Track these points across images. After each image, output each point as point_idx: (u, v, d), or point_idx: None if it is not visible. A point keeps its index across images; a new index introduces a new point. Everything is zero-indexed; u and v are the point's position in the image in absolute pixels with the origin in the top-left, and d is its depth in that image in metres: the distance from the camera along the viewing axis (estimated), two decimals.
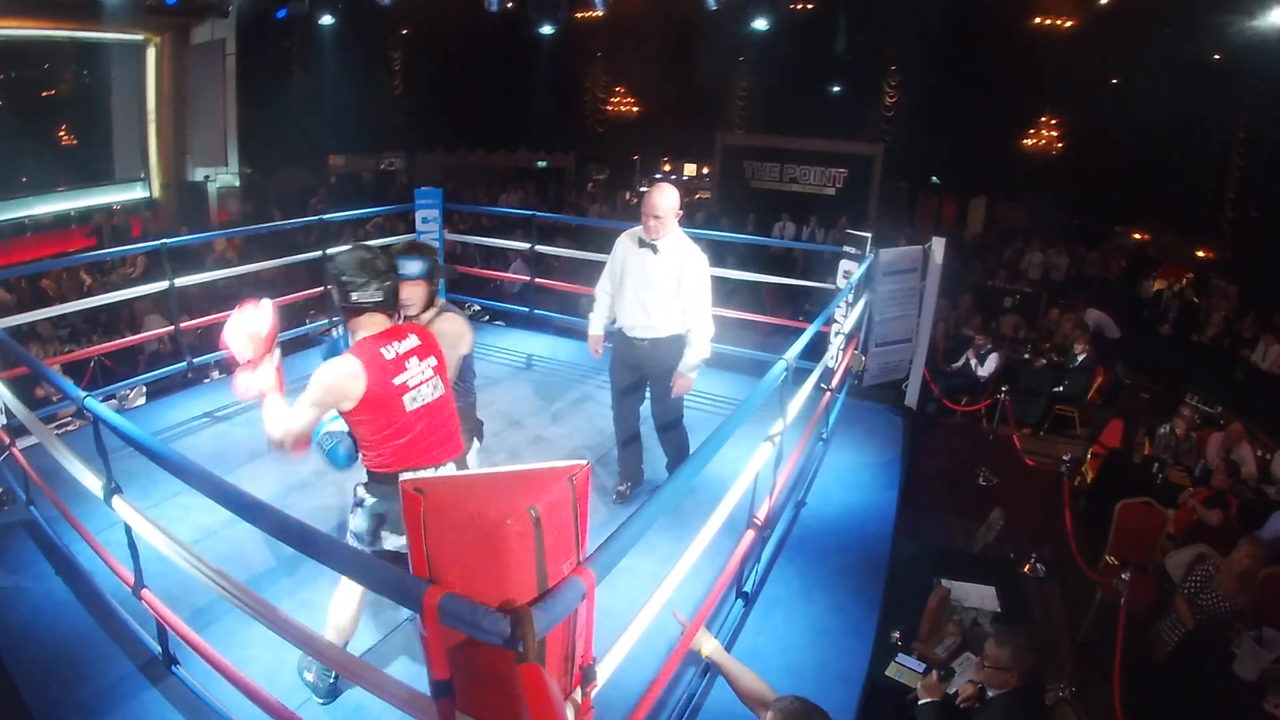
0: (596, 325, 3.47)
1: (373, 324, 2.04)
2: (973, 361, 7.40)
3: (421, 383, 2.04)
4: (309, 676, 2.29)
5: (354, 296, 2.00)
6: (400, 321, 2.24)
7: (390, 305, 2.06)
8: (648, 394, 3.43)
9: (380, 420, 1.99)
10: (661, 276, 3.15)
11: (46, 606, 2.61)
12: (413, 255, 2.55)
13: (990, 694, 2.63)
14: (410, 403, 2.01)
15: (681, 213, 3.18)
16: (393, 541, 2.12)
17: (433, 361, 2.08)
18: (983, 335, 7.70)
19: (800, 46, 14.13)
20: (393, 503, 1.96)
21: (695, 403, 3.36)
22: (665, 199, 3.09)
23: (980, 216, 14.55)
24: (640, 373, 3.35)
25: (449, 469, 2.12)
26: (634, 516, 1.51)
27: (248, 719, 2.01)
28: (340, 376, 1.94)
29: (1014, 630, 2.78)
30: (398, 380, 1.99)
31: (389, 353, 2.00)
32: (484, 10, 11.17)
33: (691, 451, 2.01)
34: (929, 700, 2.68)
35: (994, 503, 4.99)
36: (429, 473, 2.04)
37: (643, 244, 3.19)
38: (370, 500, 2.12)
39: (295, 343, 5.55)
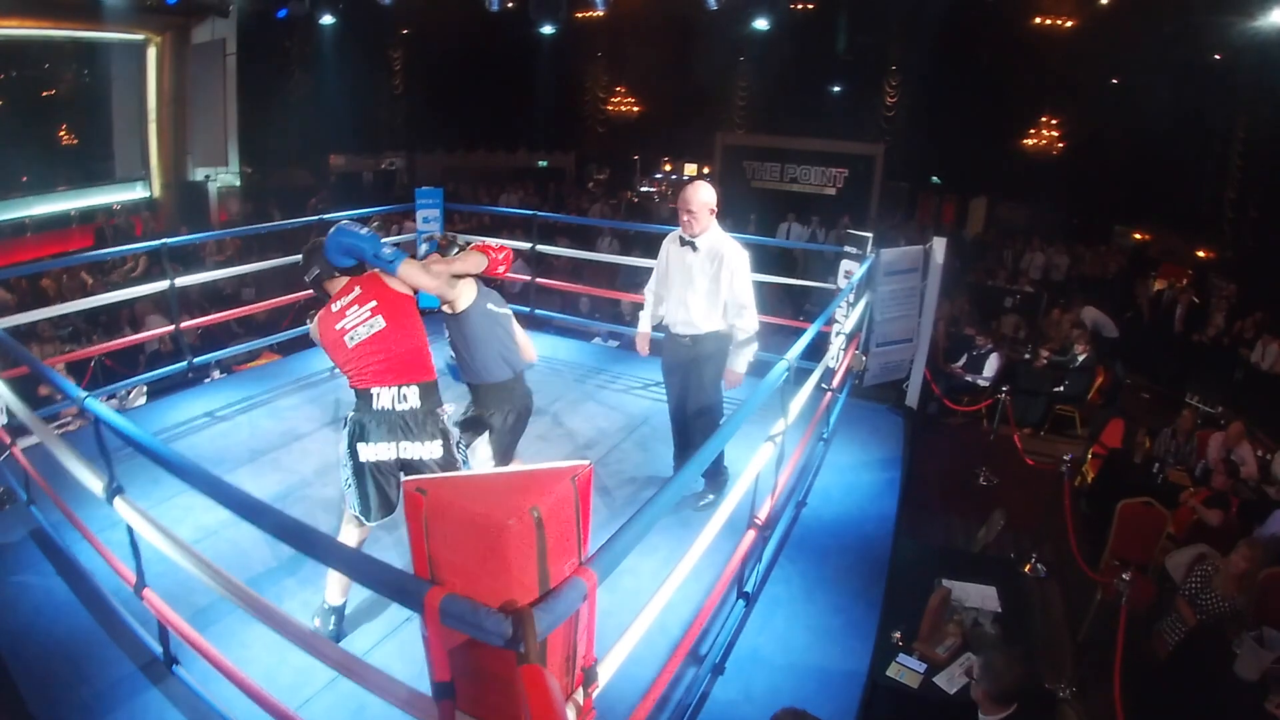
0: (644, 324, 3.54)
1: (334, 287, 2.50)
2: (969, 378, 7.39)
3: (359, 324, 2.40)
4: (316, 623, 2.51)
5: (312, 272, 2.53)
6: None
7: (338, 270, 2.47)
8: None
9: (335, 357, 2.47)
10: (700, 272, 3.19)
11: (47, 606, 2.61)
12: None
13: None
14: (349, 341, 2.40)
15: (715, 210, 3.18)
16: (366, 452, 2.42)
17: (372, 304, 2.41)
18: (983, 335, 7.70)
19: (800, 46, 14.13)
20: (361, 414, 2.42)
21: None
22: (697, 194, 3.11)
23: (980, 216, 14.53)
24: (685, 366, 3.34)
25: (410, 390, 2.41)
26: (635, 517, 1.50)
27: (248, 719, 2.01)
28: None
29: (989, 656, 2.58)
30: (338, 326, 2.41)
31: (335, 306, 2.44)
32: (484, 10, 11.17)
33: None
34: None
35: (995, 503, 4.98)
36: (385, 391, 2.40)
37: (683, 242, 3.23)
38: (350, 413, 2.47)
39: (295, 343, 5.54)
